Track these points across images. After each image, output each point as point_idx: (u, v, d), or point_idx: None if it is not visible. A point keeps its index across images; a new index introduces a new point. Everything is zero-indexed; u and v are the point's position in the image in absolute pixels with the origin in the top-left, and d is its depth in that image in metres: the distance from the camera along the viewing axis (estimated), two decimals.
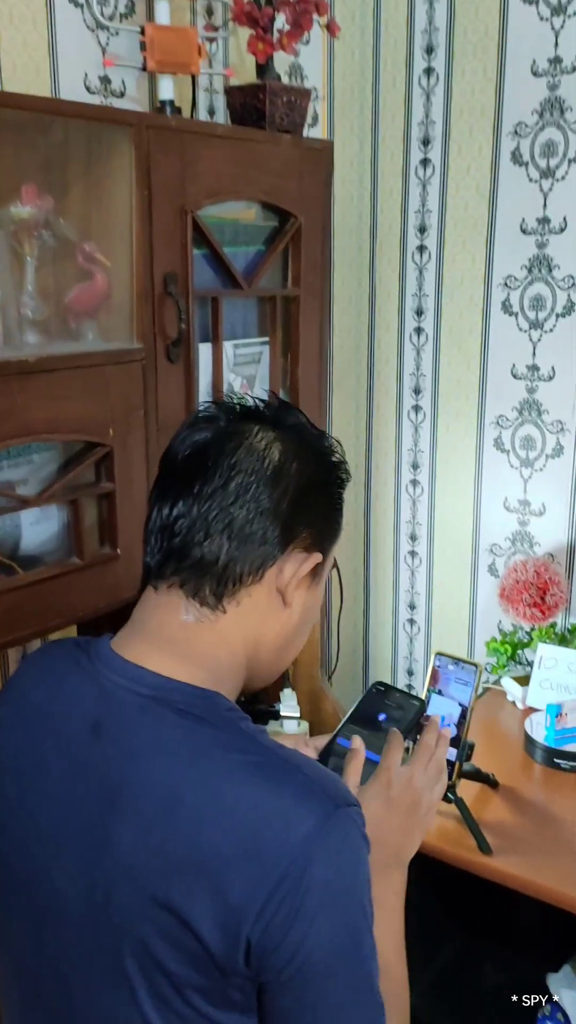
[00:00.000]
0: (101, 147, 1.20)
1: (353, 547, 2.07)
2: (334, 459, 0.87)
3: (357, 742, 0.93)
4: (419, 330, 1.85)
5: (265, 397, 0.87)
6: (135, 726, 0.75)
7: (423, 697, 1.33)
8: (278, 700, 1.55)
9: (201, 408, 0.88)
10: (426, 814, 0.93)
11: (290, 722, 1.53)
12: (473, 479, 1.86)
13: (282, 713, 1.53)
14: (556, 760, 1.52)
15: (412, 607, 2.03)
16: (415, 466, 1.94)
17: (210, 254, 1.33)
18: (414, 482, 1.95)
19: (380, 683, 1.07)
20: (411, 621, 2.04)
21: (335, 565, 1.91)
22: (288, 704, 1.54)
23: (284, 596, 0.83)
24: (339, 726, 1.02)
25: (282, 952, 0.69)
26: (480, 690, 1.84)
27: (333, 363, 1.92)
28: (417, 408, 1.90)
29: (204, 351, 1.36)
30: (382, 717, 1.02)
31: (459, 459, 1.87)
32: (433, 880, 1.49)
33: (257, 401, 0.87)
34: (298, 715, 1.54)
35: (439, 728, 0.99)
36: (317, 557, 0.84)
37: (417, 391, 1.89)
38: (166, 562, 0.81)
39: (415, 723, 1.02)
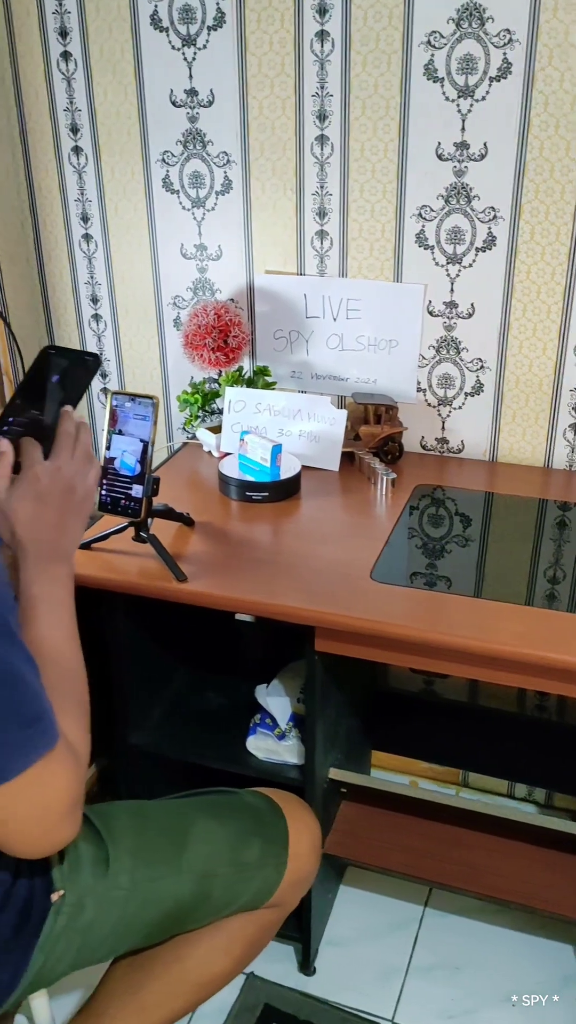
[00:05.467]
0: None
1: (33, 318, 1.92)
2: None
3: (3, 445, 0.87)
4: (66, 55, 1.65)
5: None
6: None
7: (108, 430, 1.29)
8: None
9: None
10: (82, 501, 0.91)
11: None
12: (147, 227, 1.75)
13: None
14: (248, 493, 1.55)
15: (104, 376, 1.94)
16: (85, 219, 1.79)
17: None
18: (87, 237, 1.81)
19: (52, 346, 1.02)
20: (104, 390, 1.96)
21: (7, 325, 1.76)
22: None
23: None
24: (11, 396, 0.97)
25: None
26: (181, 437, 1.83)
27: None
28: (78, 149, 1.73)
29: None
30: (55, 379, 0.98)
31: (129, 205, 1.75)
32: (154, 623, 1.52)
33: None
34: None
35: (76, 418, 0.96)
36: None
37: (74, 129, 1.71)
38: None
39: (89, 379, 1.00)
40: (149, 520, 1.36)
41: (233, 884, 1.04)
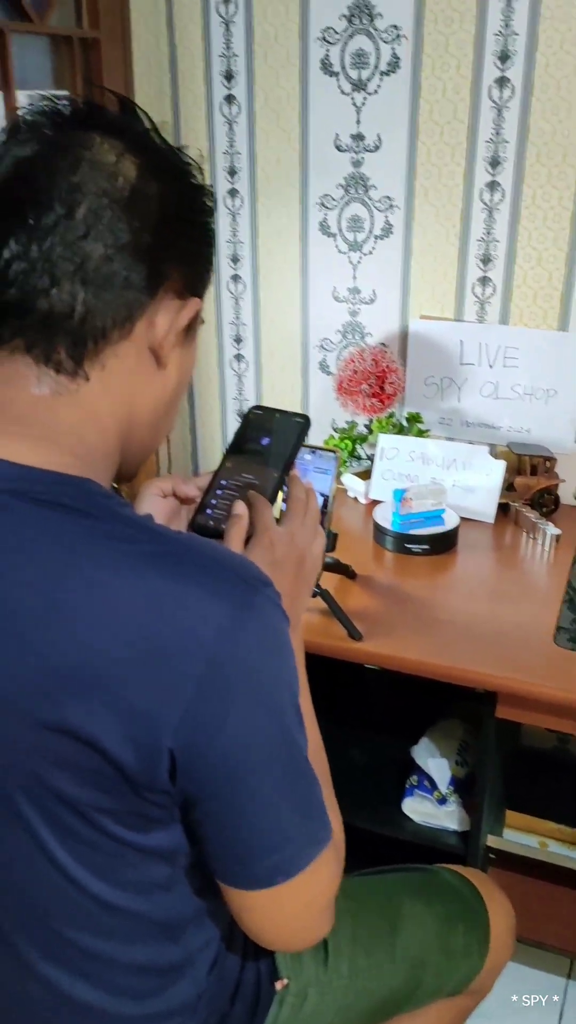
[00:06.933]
0: None
1: None
2: (196, 181, 0.71)
3: (239, 507, 0.83)
4: (230, 98, 1.65)
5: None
6: None
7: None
8: None
9: (17, 117, 0.68)
10: (312, 571, 0.87)
11: None
12: (299, 269, 1.73)
13: None
14: (407, 545, 1.51)
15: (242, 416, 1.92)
16: (235, 259, 1.78)
17: None
18: (235, 278, 1.80)
19: (258, 406, 0.98)
20: None
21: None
22: None
23: (159, 355, 0.69)
24: (222, 458, 0.93)
25: (212, 758, 0.60)
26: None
27: None
28: (234, 192, 1.72)
29: None
30: (265, 441, 0.94)
31: (283, 248, 1.73)
32: None
33: (86, 102, 0.69)
34: None
35: (303, 480, 0.92)
36: (196, 303, 0.70)
37: (232, 172, 1.71)
38: (2, 321, 0.64)
39: (301, 442, 0.95)
40: (320, 572, 1.32)
41: (442, 972, 0.99)
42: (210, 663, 0.59)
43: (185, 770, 0.60)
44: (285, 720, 0.64)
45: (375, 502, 1.66)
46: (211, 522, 0.91)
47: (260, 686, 0.61)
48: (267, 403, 1.88)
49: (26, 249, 0.62)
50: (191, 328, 0.72)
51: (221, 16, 1.59)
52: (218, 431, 1.96)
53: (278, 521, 0.86)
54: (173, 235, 0.67)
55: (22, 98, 1.14)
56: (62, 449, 0.64)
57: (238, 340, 1.85)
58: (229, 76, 1.63)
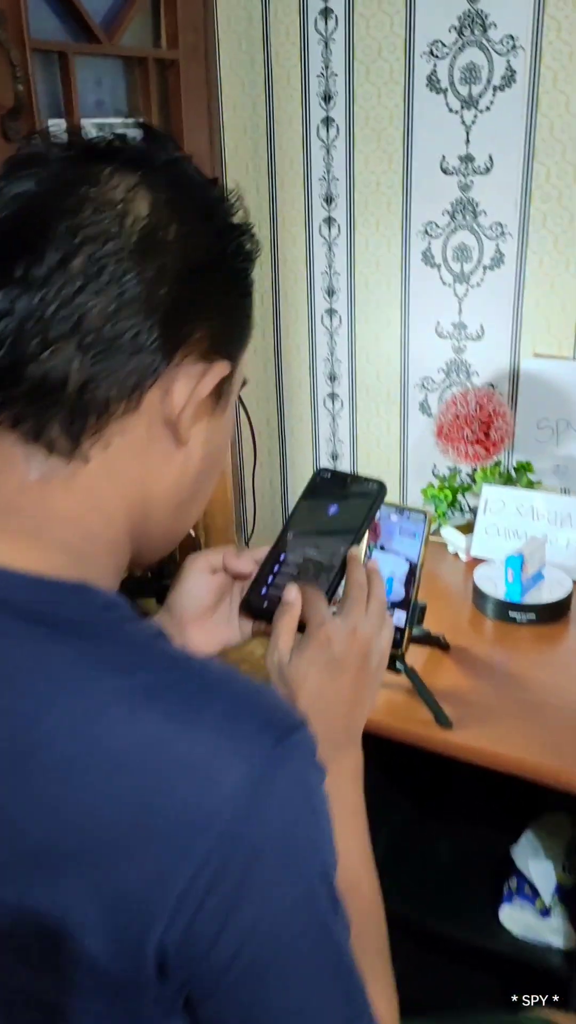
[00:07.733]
0: None
1: (264, 394, 1.80)
2: (233, 219, 0.59)
3: (291, 593, 0.69)
4: (328, 120, 1.53)
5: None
6: None
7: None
8: None
9: (20, 148, 0.58)
10: (377, 669, 0.72)
11: None
12: (400, 303, 1.59)
13: None
14: (511, 614, 1.34)
15: (335, 457, 1.79)
16: (331, 292, 1.66)
17: None
18: (331, 311, 1.67)
19: (325, 469, 0.84)
20: None
21: (242, 405, 1.66)
22: None
23: (177, 430, 0.57)
24: (282, 529, 0.80)
25: (217, 957, 0.46)
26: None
27: (225, 157, 1.57)
28: (330, 220, 1.60)
29: None
30: (332, 510, 0.80)
31: (382, 280, 1.59)
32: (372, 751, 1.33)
33: (109, 133, 0.57)
34: None
35: (364, 562, 0.77)
36: (223, 367, 0.57)
37: (329, 199, 1.59)
38: None
39: (374, 513, 0.81)
40: (407, 647, 1.17)
41: None
42: (220, 838, 0.45)
43: (181, 969, 0.47)
44: (316, 906, 0.50)
45: (476, 560, 1.49)
46: (266, 603, 0.78)
47: (283, 868, 0.47)
48: (363, 445, 1.75)
49: (12, 305, 0.51)
50: (222, 396, 0.59)
51: (320, 33, 1.48)
52: (309, 472, 1.83)
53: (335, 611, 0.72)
54: (197, 285, 0.54)
55: (89, 128, 1.06)
56: (53, 546, 0.52)
57: (332, 378, 1.73)
58: (327, 97, 1.52)
